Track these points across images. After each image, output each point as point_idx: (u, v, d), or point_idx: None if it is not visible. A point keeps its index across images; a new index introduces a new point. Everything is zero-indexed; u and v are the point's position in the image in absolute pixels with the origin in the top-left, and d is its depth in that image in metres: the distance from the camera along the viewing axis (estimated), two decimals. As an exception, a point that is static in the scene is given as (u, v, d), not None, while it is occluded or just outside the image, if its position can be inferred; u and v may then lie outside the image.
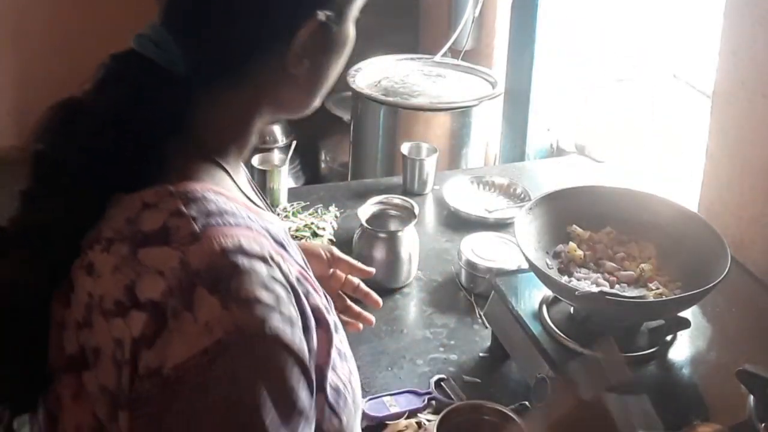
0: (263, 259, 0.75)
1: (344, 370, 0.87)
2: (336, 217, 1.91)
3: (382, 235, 1.65)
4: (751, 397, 1.07)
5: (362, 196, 1.91)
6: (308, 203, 1.96)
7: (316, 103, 0.88)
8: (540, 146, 2.45)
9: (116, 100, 0.78)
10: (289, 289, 0.76)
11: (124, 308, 0.73)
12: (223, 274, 0.71)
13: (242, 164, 0.93)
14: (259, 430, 0.71)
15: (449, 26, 2.90)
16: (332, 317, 0.86)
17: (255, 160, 1.92)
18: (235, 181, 0.85)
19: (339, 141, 3.21)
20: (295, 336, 0.74)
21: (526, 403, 1.23)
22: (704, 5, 2.18)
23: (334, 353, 0.84)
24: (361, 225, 1.67)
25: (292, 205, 1.93)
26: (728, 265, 1.21)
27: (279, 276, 0.75)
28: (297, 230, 1.82)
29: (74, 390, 0.77)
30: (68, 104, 0.80)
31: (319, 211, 1.92)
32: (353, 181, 2.49)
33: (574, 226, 1.40)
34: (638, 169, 2.12)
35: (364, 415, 1.31)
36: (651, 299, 1.28)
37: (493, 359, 1.46)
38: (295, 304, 0.76)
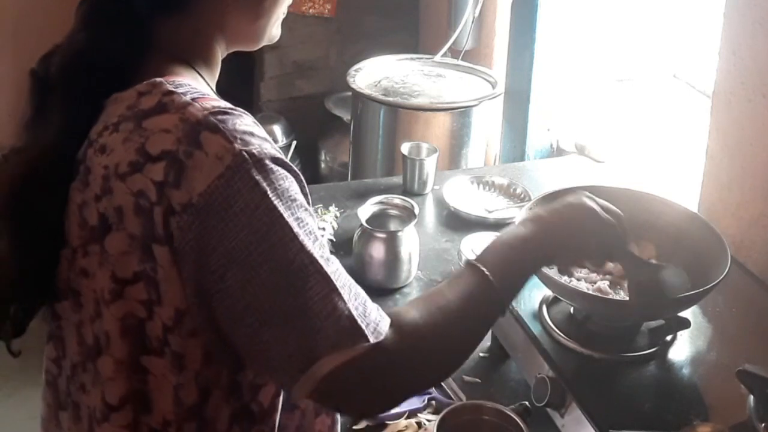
0: (248, 116, 0.90)
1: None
2: (336, 217, 1.91)
3: (382, 235, 1.65)
4: (751, 397, 1.07)
5: (362, 196, 1.91)
6: (308, 203, 1.95)
7: (269, 34, 1.06)
8: (540, 146, 2.45)
9: (97, 26, 0.93)
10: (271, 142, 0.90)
11: (139, 165, 0.86)
12: (219, 120, 0.86)
13: None
14: (281, 223, 0.84)
15: (449, 26, 2.89)
16: None
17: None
18: (210, 87, 0.99)
19: (339, 141, 3.21)
20: (284, 158, 0.88)
21: (526, 403, 1.23)
22: (704, 5, 2.18)
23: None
24: (361, 225, 1.67)
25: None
26: (728, 265, 1.21)
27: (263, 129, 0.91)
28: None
29: (99, 257, 0.89)
30: (61, 42, 0.96)
31: (319, 211, 1.92)
32: (353, 181, 2.49)
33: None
34: (638, 169, 2.12)
35: (364, 415, 1.31)
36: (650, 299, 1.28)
37: (493, 359, 1.46)
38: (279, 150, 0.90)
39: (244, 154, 0.84)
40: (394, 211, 1.72)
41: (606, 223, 1.05)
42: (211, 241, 0.83)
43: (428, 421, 1.30)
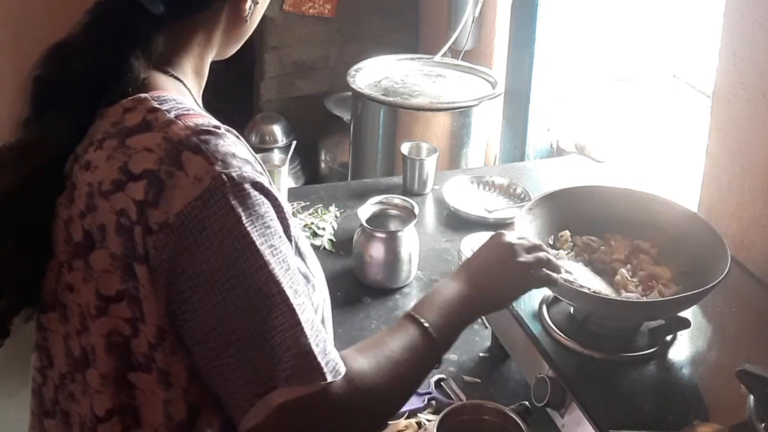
0: (232, 134, 0.91)
1: (313, 263, 1.01)
2: (336, 217, 1.91)
3: (382, 235, 1.65)
4: (751, 397, 1.07)
5: (362, 196, 1.91)
6: (308, 203, 1.96)
7: (239, 45, 1.07)
8: (540, 146, 2.45)
9: (102, 33, 0.94)
10: (255, 158, 0.92)
11: (121, 183, 0.87)
12: (201, 140, 0.87)
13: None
14: (252, 250, 0.85)
15: (449, 26, 2.90)
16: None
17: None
18: (196, 101, 1.01)
19: (339, 141, 3.21)
20: (266, 182, 0.88)
21: (526, 403, 1.23)
22: (704, 5, 2.18)
23: (300, 244, 0.98)
24: (361, 225, 1.67)
25: (292, 205, 1.93)
26: (728, 265, 1.21)
27: (246, 149, 0.92)
28: (297, 230, 1.82)
29: (83, 274, 0.90)
30: (62, 41, 0.97)
31: (319, 211, 1.92)
32: (353, 181, 2.49)
33: (567, 231, 1.40)
34: (638, 169, 2.12)
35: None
36: (651, 299, 1.28)
37: (493, 359, 1.46)
38: (262, 170, 0.91)
39: (224, 176, 0.84)
40: (394, 211, 1.72)
41: (525, 264, 1.10)
42: (182, 262, 0.84)
43: (428, 421, 1.30)
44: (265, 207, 0.87)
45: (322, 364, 0.86)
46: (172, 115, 0.89)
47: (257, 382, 0.84)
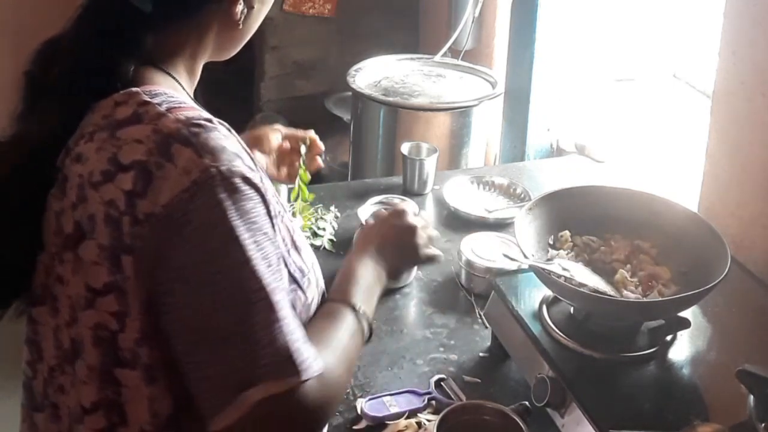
0: (224, 127, 0.91)
1: (308, 256, 1.02)
2: (336, 217, 1.91)
3: (382, 235, 1.64)
4: (751, 397, 1.07)
5: (362, 196, 1.91)
6: (308, 203, 1.95)
7: (237, 50, 1.07)
8: (540, 146, 2.45)
9: (91, 28, 0.95)
10: (247, 152, 0.92)
11: (110, 174, 0.87)
12: (191, 132, 0.86)
13: None
14: (236, 245, 0.84)
15: (449, 26, 2.89)
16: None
17: (255, 160, 1.92)
18: (189, 96, 1.00)
19: (339, 141, 3.21)
20: (256, 178, 0.88)
21: (526, 403, 1.23)
22: (704, 5, 2.18)
23: (296, 237, 1.00)
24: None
25: (292, 205, 1.93)
26: (728, 265, 1.21)
27: (239, 143, 0.92)
28: (297, 230, 1.82)
29: (73, 265, 0.90)
30: (53, 38, 0.99)
31: (319, 211, 1.92)
32: (353, 181, 2.49)
33: (567, 231, 1.40)
34: (638, 169, 2.12)
35: (364, 415, 1.31)
36: (651, 299, 1.28)
37: (493, 359, 1.46)
38: (253, 164, 0.91)
39: (212, 170, 0.84)
40: (394, 211, 1.71)
41: (420, 245, 1.18)
42: (165, 254, 0.84)
43: (428, 421, 1.30)
44: (253, 202, 0.87)
45: (298, 361, 0.86)
46: (163, 108, 0.90)
47: (234, 380, 0.84)
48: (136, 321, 0.87)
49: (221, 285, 0.84)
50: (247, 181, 0.87)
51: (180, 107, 0.91)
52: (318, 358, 0.90)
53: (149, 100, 0.91)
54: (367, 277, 1.08)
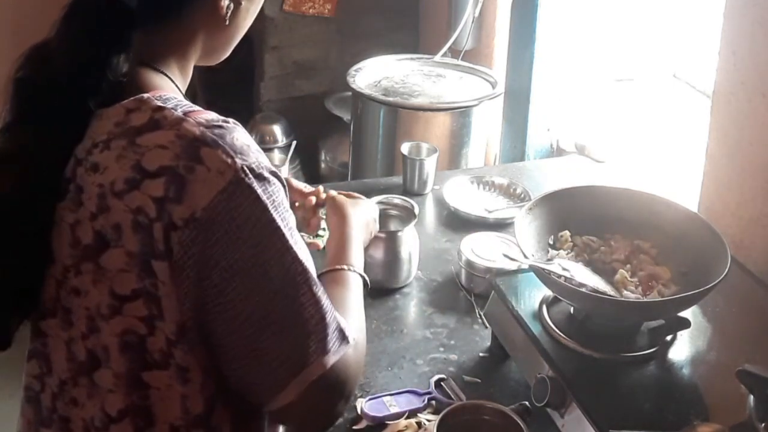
0: (240, 126, 0.93)
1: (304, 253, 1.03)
2: (336, 217, 1.90)
3: (382, 235, 1.64)
4: (751, 397, 1.07)
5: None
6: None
7: (229, 51, 1.08)
8: (540, 146, 2.45)
9: (77, 28, 0.94)
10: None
11: (135, 182, 0.87)
12: (216, 135, 0.88)
13: None
14: (278, 235, 0.88)
15: (449, 26, 2.89)
16: None
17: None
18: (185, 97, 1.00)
19: (339, 141, 3.21)
20: (278, 170, 0.91)
21: (526, 403, 1.23)
22: (704, 5, 2.18)
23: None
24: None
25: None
26: (728, 265, 1.21)
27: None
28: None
29: (93, 275, 0.90)
30: (41, 42, 0.97)
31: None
32: (353, 181, 2.49)
33: (567, 231, 1.40)
34: (638, 169, 2.12)
35: (364, 415, 1.31)
36: (651, 299, 1.28)
37: (493, 359, 1.46)
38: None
39: (245, 168, 0.87)
40: (394, 211, 1.72)
41: (373, 230, 1.37)
42: (215, 255, 0.86)
43: (428, 421, 1.30)
44: (282, 194, 0.91)
45: (347, 330, 0.94)
46: (179, 112, 0.90)
47: (294, 359, 0.90)
48: (170, 323, 0.88)
49: (272, 274, 0.88)
50: (274, 174, 0.91)
51: (194, 111, 0.92)
52: (347, 324, 0.96)
53: (162, 105, 0.91)
54: (359, 247, 1.22)
